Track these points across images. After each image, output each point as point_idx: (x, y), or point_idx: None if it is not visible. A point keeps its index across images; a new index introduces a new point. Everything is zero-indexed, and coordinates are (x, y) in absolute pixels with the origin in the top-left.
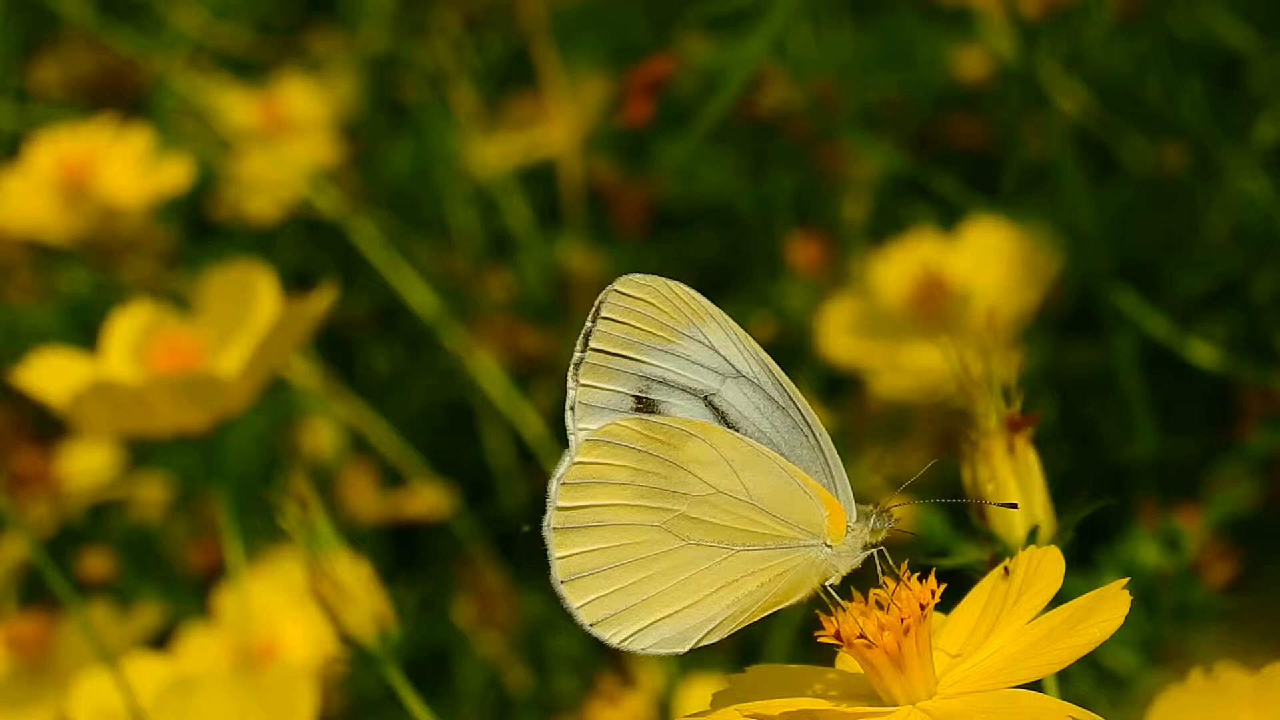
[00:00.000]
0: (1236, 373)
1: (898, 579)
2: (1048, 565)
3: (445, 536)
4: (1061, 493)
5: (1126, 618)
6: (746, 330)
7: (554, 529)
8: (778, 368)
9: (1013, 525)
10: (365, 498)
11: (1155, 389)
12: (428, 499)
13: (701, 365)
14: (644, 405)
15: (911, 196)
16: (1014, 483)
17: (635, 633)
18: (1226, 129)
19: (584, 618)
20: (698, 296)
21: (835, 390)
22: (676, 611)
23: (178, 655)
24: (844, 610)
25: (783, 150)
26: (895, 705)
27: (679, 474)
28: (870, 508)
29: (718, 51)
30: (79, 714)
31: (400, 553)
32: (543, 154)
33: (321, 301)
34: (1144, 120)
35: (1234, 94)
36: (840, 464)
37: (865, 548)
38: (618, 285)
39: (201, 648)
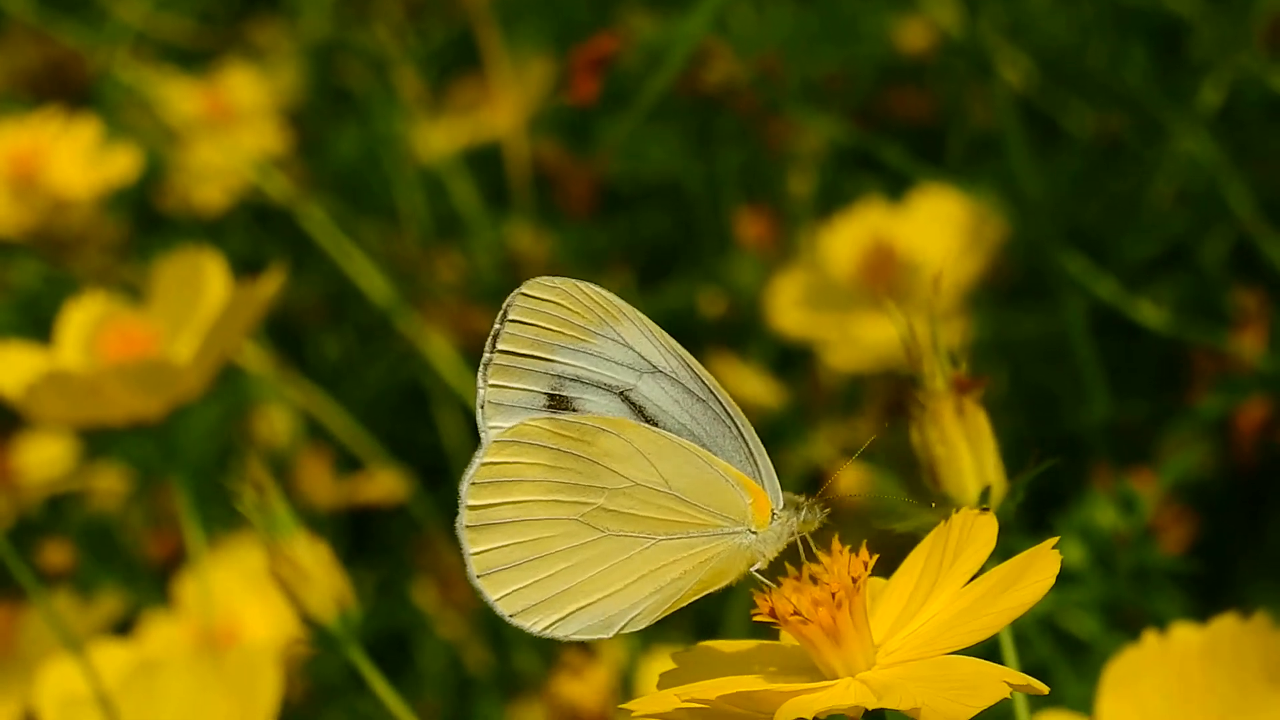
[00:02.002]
0: (1186, 335)
1: (828, 555)
2: (980, 528)
3: (402, 520)
4: (1015, 459)
5: (1085, 580)
6: (688, 310)
7: (467, 527)
8: (696, 362)
9: (965, 487)
10: (321, 483)
11: (1106, 354)
12: (384, 483)
13: (616, 362)
14: (557, 402)
15: (858, 169)
16: (964, 444)
17: (556, 621)
18: (1170, 94)
19: (503, 609)
20: (610, 295)
21: (787, 363)
22: (598, 600)
23: (141, 642)
24: (777, 588)
25: (728, 126)
26: (835, 678)
27: (594, 469)
28: (804, 499)
29: (661, 28)
30: (45, 702)
31: (357, 537)
32: (488, 136)
33: (270, 285)
34: (1088, 88)
35: (1177, 60)
36: (764, 452)
37: (793, 535)
38: (525, 288)
39: (164, 635)
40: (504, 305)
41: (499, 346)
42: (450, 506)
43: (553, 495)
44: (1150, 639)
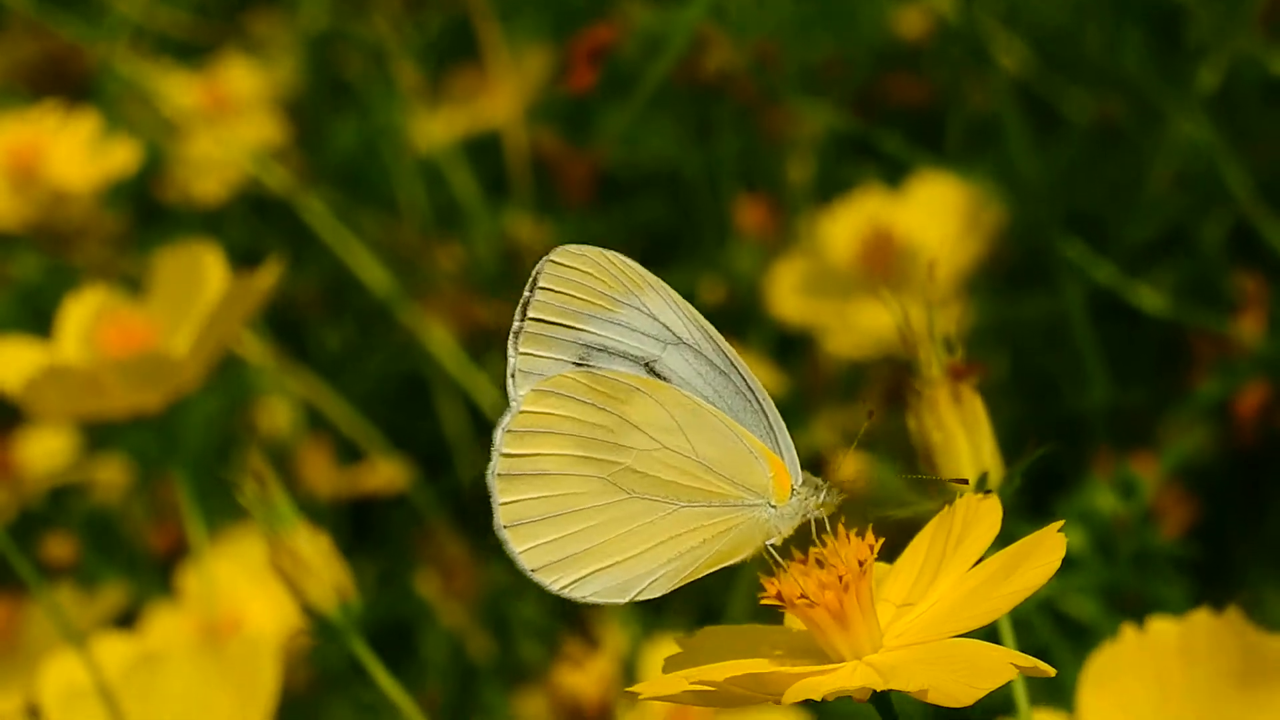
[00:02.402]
0: (1186, 319)
1: (834, 538)
2: (985, 511)
3: (404, 509)
4: (1015, 445)
5: (1085, 564)
6: (688, 298)
7: (498, 475)
8: (718, 334)
9: (962, 473)
10: (322, 474)
11: (1105, 338)
12: (385, 473)
13: (641, 332)
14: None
15: (856, 156)
16: (961, 431)
17: (575, 581)
18: (1167, 78)
19: (525, 563)
20: (635, 265)
21: (787, 350)
22: (618, 562)
23: (144, 635)
24: (785, 570)
25: (726, 114)
26: (841, 661)
27: (624, 428)
28: (824, 481)
29: (659, 16)
30: (48, 696)
31: (359, 527)
32: (487, 126)
33: (269, 276)
34: (1085, 72)
35: (1174, 43)
36: (784, 428)
37: (808, 514)
38: (554, 255)
39: (167, 627)
40: (533, 272)
41: (530, 314)
42: (452, 496)
43: (583, 451)
44: (1129, 634)
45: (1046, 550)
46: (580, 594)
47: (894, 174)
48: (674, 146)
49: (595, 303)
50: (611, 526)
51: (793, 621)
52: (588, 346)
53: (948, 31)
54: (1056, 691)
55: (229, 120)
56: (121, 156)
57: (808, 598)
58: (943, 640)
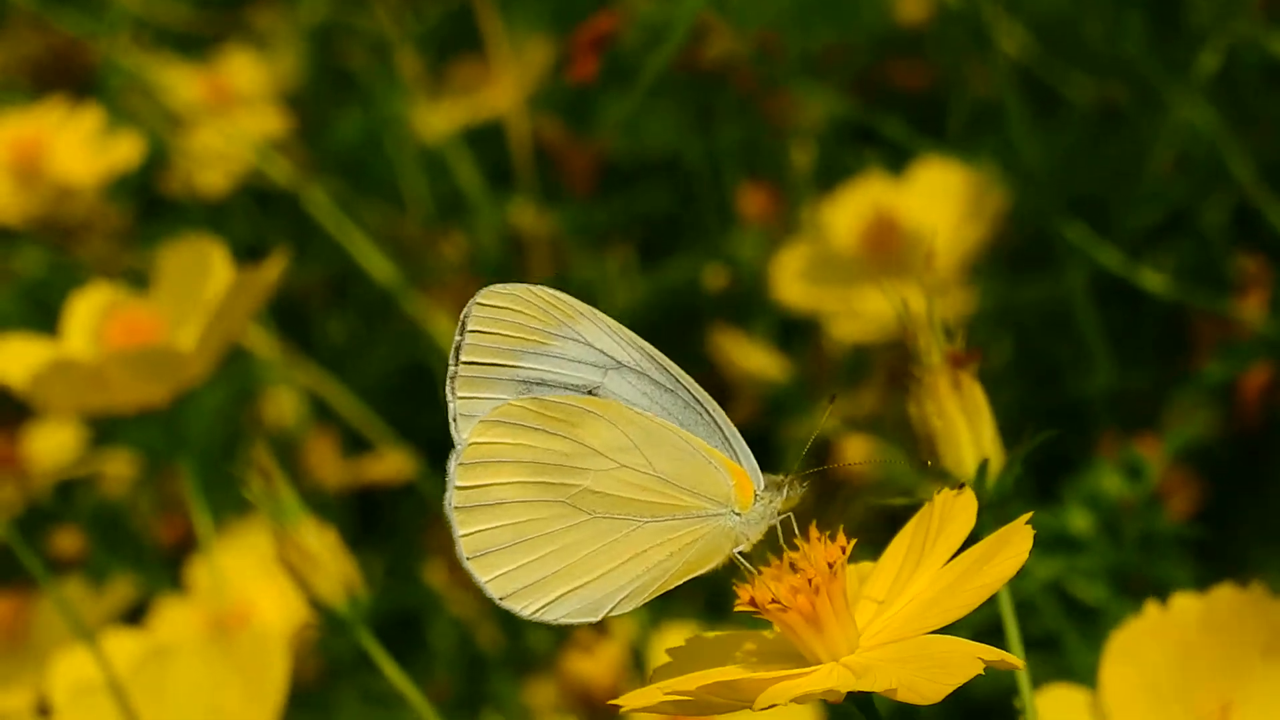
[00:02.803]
0: (1189, 301)
1: (806, 541)
2: (960, 507)
3: (410, 499)
4: (1019, 429)
5: (1093, 547)
6: (692, 285)
7: (455, 508)
8: (658, 353)
9: (962, 461)
10: (329, 465)
11: (1109, 321)
12: (391, 463)
13: (579, 361)
14: None
15: (858, 142)
16: (961, 418)
17: (545, 604)
18: (1168, 61)
19: (493, 592)
20: (565, 296)
21: (791, 336)
22: (586, 583)
23: (153, 628)
24: (757, 576)
25: (728, 101)
26: (818, 663)
27: (579, 450)
28: (781, 477)
29: (660, 6)
30: (58, 691)
31: (366, 518)
32: (489, 116)
33: (274, 269)
34: (1086, 56)
35: (1174, 26)
36: (739, 436)
37: (777, 515)
38: (479, 297)
39: (176, 620)
40: (460, 317)
41: (462, 358)
42: None
43: (539, 477)
44: (1152, 609)
45: (1015, 543)
46: (552, 617)
47: (896, 160)
48: (676, 134)
49: (528, 338)
50: (577, 549)
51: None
52: (526, 383)
53: (948, 16)
54: (1066, 675)
55: (231, 113)
56: (125, 150)
57: (779, 602)
58: (915, 638)
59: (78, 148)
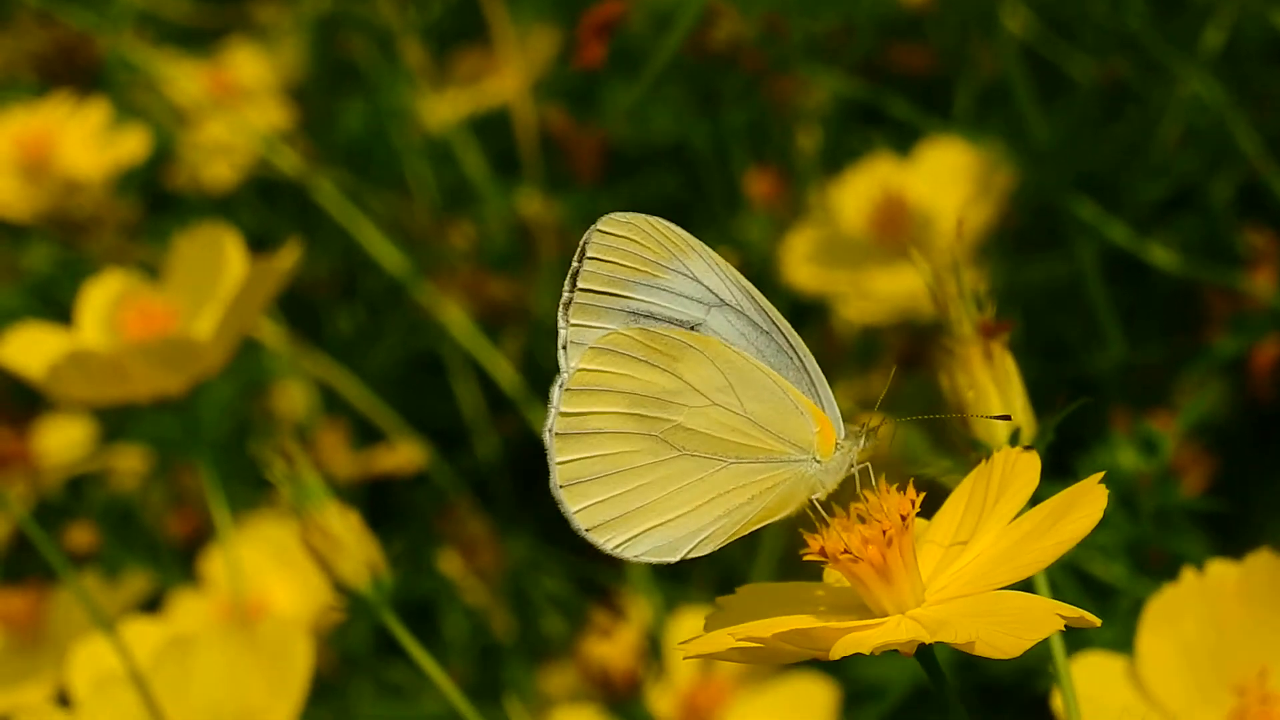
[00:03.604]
0: (1198, 276)
1: (875, 494)
2: (1023, 466)
3: (423, 489)
4: (1034, 406)
5: (1109, 522)
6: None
7: (556, 434)
8: (760, 294)
9: (995, 430)
10: (340, 456)
11: (1119, 298)
12: (403, 453)
13: (686, 296)
14: None
15: (865, 123)
16: (993, 388)
17: (628, 540)
18: (1173, 37)
19: (580, 522)
20: (677, 229)
21: (802, 318)
22: (669, 520)
23: (169, 620)
24: (827, 526)
25: (734, 86)
26: (884, 615)
27: (677, 385)
28: (858, 426)
29: None
30: (78, 682)
31: (379, 508)
32: (494, 104)
33: (288, 258)
34: (1091, 34)
35: (1178, 2)
36: (826, 384)
37: (852, 465)
38: (601, 225)
39: (192, 612)
40: (581, 242)
41: (579, 285)
42: (469, 474)
43: (637, 409)
44: (1188, 576)
45: (1089, 501)
46: (632, 553)
47: (903, 140)
48: (682, 120)
49: (641, 269)
50: (663, 484)
51: (831, 578)
52: (634, 314)
53: None
54: (1085, 650)
55: (237, 105)
56: (131, 144)
57: (851, 552)
58: (986, 593)
59: (84, 142)
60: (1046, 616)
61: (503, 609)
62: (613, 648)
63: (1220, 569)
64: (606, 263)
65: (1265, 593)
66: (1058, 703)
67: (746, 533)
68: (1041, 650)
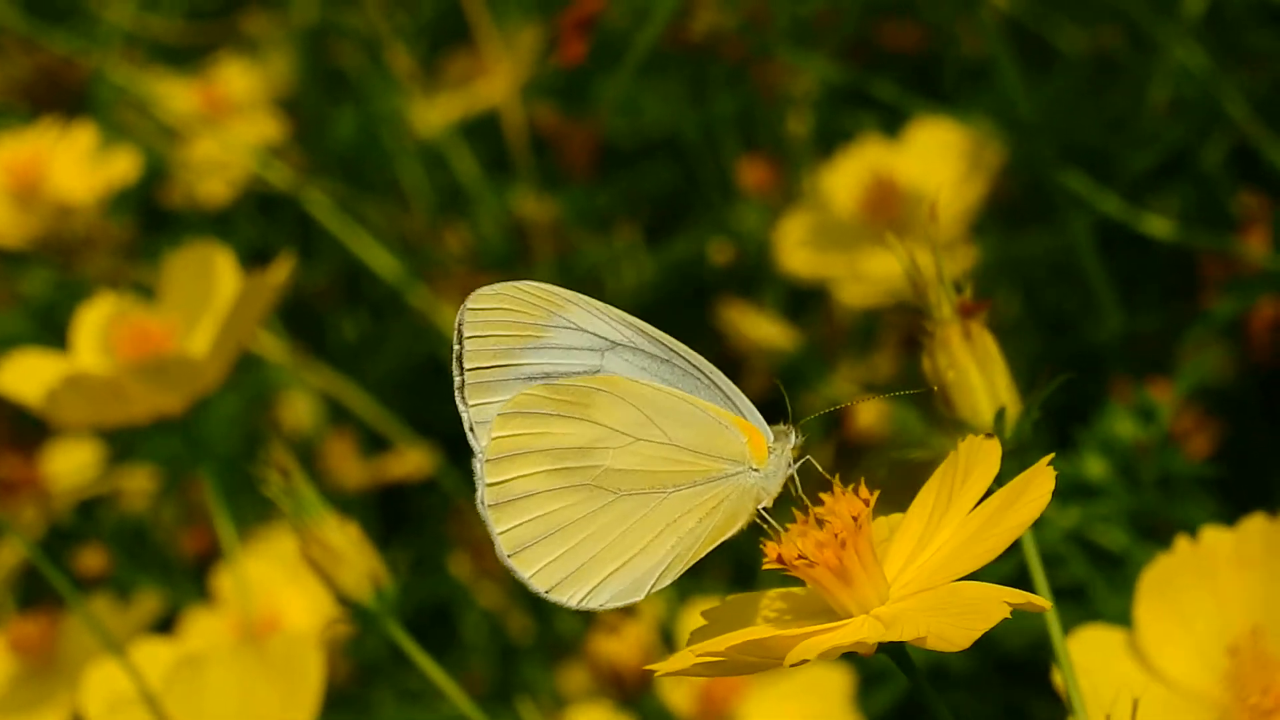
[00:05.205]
0: (1193, 242)
1: (830, 495)
2: (984, 454)
3: (433, 494)
4: (1032, 379)
5: (1112, 492)
6: (697, 260)
7: (489, 506)
8: (649, 326)
9: (979, 410)
10: (349, 465)
11: (1114, 267)
12: (411, 459)
13: (576, 348)
14: None
15: (853, 106)
16: (975, 368)
17: (589, 592)
18: (1157, 5)
19: (537, 585)
20: (550, 286)
21: (800, 304)
22: (624, 564)
23: (183, 638)
24: (783, 533)
25: (721, 74)
26: (849, 616)
27: (595, 430)
28: (782, 426)
29: None
30: (91, 704)
31: (391, 515)
32: (484, 106)
33: (281, 272)
34: (1075, 5)
35: None
36: (740, 393)
37: (790, 465)
38: (470, 302)
39: (205, 629)
40: (456, 324)
41: (465, 366)
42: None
43: (562, 463)
44: (1182, 544)
45: (1037, 486)
46: (597, 603)
47: (892, 121)
48: (672, 111)
49: (523, 334)
50: (609, 530)
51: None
52: (530, 379)
53: None
54: (1093, 621)
55: (227, 121)
56: (122, 165)
57: (806, 558)
58: (944, 586)
59: (75, 166)
60: (994, 605)
61: (518, 610)
62: (622, 644)
63: (1214, 536)
64: (487, 338)
65: (1260, 557)
66: (1058, 679)
67: (704, 554)
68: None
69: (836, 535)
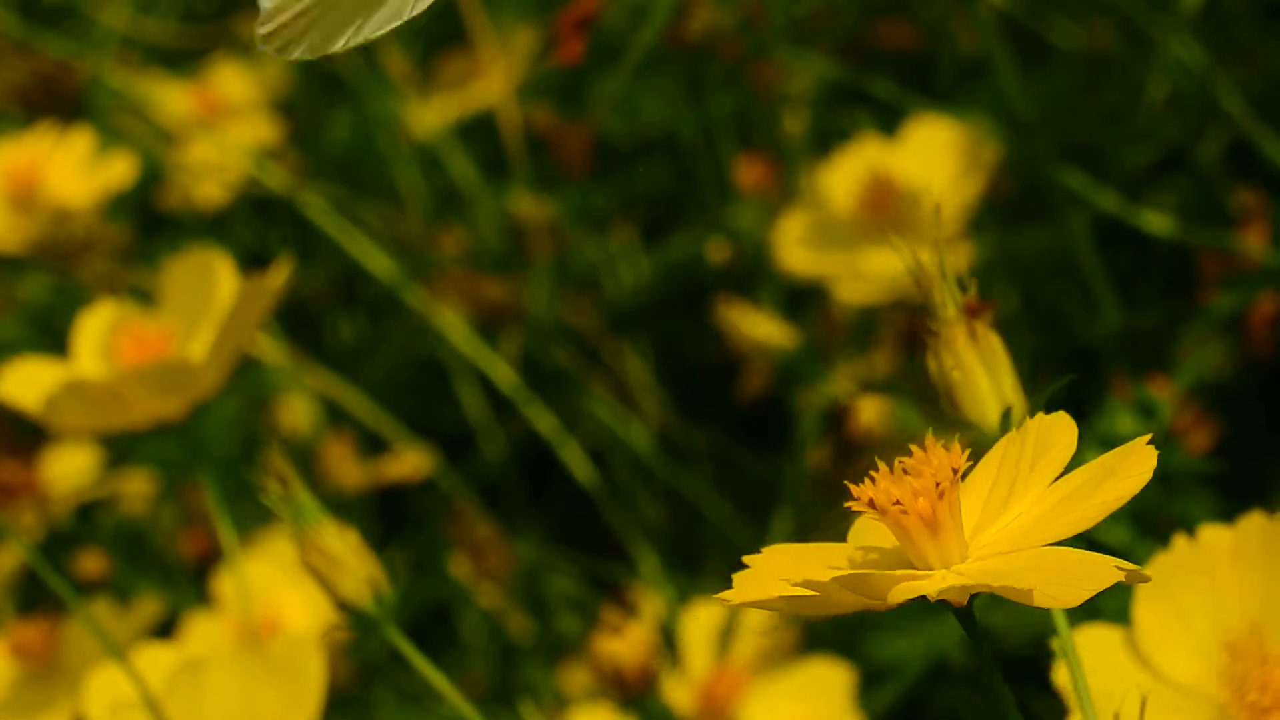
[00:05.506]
0: (1191, 238)
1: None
2: (1060, 430)
3: (432, 495)
4: (1032, 378)
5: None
6: (693, 260)
7: None
8: None
9: (984, 410)
10: (348, 468)
11: (1113, 264)
12: (410, 461)
13: None
14: None
15: (850, 105)
16: (980, 367)
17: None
18: (1152, 1)
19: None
20: None
21: (799, 303)
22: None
23: (183, 642)
24: (874, 477)
25: (717, 74)
26: (930, 570)
27: None
28: None
29: None
30: (93, 709)
31: (391, 517)
32: (480, 107)
33: (279, 275)
34: (1071, 1)
35: None
36: None
37: None
38: None
39: (206, 633)
40: None
41: None
42: (477, 477)
43: None
44: (1180, 542)
45: (1136, 461)
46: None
47: (891, 118)
48: (669, 111)
49: None
50: None
51: (857, 539)
52: None
53: None
54: (1097, 618)
55: (223, 124)
56: (119, 169)
57: (901, 504)
58: (1035, 549)
59: (71, 170)
60: (1106, 569)
61: (518, 610)
62: (623, 644)
63: (1213, 534)
64: None
65: (1259, 555)
66: (1060, 676)
67: None
68: (1050, 624)
69: (938, 485)
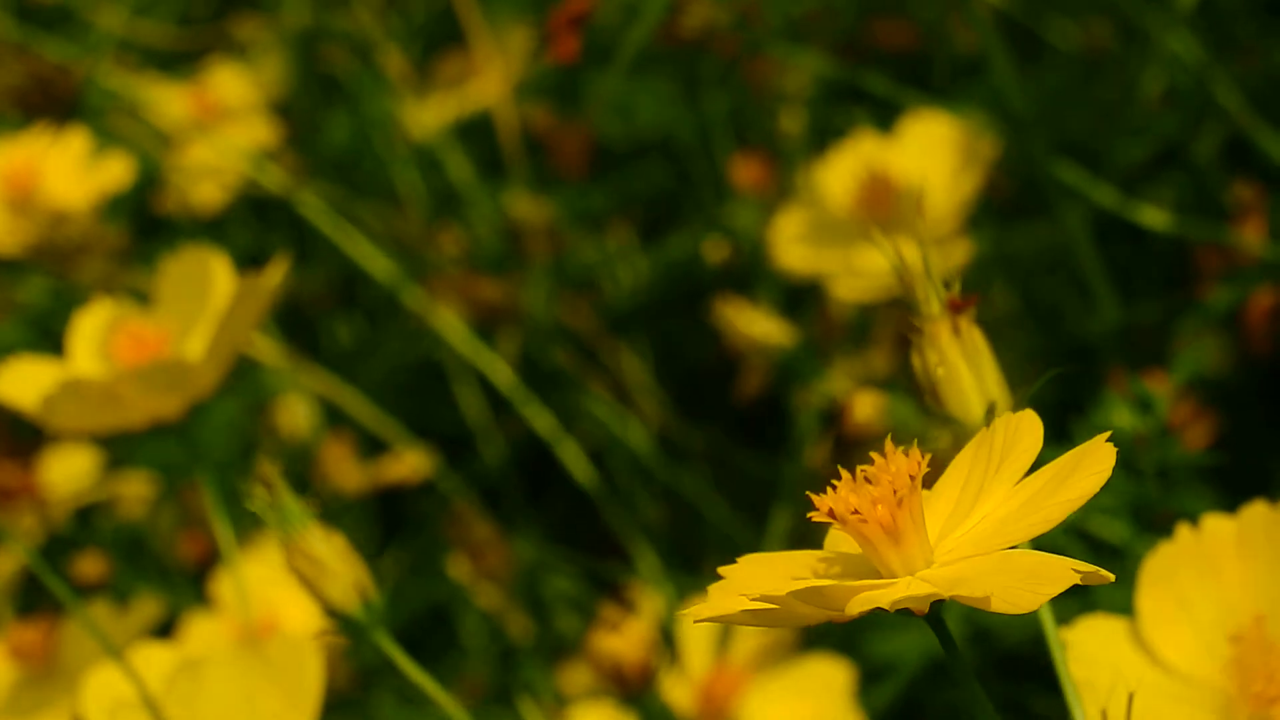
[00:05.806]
0: (1188, 233)
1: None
2: (1025, 429)
3: (431, 496)
4: (1029, 374)
5: (1110, 484)
6: (691, 259)
7: None
8: None
9: (969, 406)
10: (347, 469)
11: (1110, 260)
12: (409, 462)
13: None
14: None
15: (846, 102)
16: (964, 364)
17: None
18: None
19: None
20: None
21: (796, 301)
22: None
23: (182, 643)
24: (835, 487)
25: (713, 72)
26: (894, 577)
27: None
28: None
29: None
30: (92, 709)
31: (390, 518)
32: (477, 108)
33: (275, 275)
34: None
35: None
36: None
37: None
38: None
39: (204, 633)
40: None
41: None
42: (476, 478)
43: None
44: (1183, 533)
45: (1095, 460)
46: None
47: (887, 116)
48: (665, 110)
49: None
50: None
51: (831, 547)
52: None
53: None
54: (1092, 613)
55: (220, 126)
56: (116, 171)
57: (860, 513)
58: (997, 553)
59: (68, 172)
60: (1062, 571)
61: (517, 611)
62: (623, 641)
63: (1215, 524)
64: None
65: (1263, 545)
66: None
67: None
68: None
69: (895, 492)
